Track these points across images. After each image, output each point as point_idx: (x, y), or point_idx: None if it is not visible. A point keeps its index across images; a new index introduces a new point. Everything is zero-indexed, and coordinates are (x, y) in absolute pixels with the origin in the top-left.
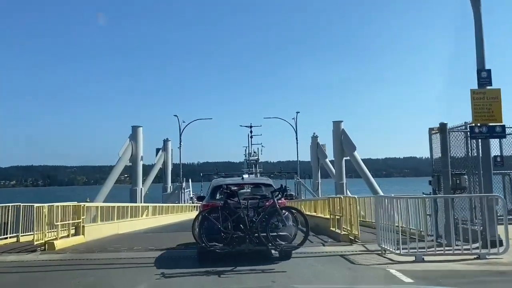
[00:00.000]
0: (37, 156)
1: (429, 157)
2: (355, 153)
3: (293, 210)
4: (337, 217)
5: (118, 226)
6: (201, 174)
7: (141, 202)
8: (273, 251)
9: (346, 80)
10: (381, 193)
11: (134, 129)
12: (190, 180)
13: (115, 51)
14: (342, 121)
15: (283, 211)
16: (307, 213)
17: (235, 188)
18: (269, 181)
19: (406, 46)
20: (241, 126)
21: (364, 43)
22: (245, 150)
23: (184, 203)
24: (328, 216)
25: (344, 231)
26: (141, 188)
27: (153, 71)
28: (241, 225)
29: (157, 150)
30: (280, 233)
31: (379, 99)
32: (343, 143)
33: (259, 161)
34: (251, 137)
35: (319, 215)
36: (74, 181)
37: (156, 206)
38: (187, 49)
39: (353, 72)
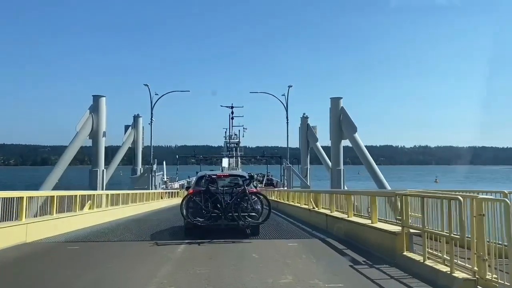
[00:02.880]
0: (9, 134)
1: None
2: (356, 135)
3: (260, 196)
4: (425, 233)
5: (28, 229)
6: (177, 156)
7: (102, 187)
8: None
9: (334, 66)
10: (387, 185)
11: (96, 99)
12: (164, 162)
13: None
14: (341, 97)
15: (253, 196)
16: (322, 210)
17: (215, 176)
18: (243, 173)
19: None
20: (221, 106)
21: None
22: (225, 132)
23: (155, 188)
24: (392, 229)
25: (458, 269)
26: (103, 170)
27: (133, 48)
28: (218, 206)
29: (126, 128)
30: (250, 213)
31: (362, 88)
32: (342, 123)
33: (240, 144)
34: (232, 118)
35: (354, 218)
36: (48, 161)
37: (107, 194)
38: (167, 26)
39: (342, 59)
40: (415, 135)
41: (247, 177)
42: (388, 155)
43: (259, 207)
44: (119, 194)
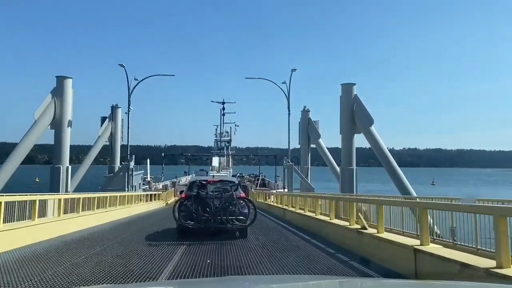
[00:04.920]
0: None
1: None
2: (372, 128)
3: (247, 200)
4: None
5: None
6: (163, 154)
7: (66, 188)
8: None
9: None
10: (412, 190)
11: (60, 81)
12: (148, 160)
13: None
14: (354, 84)
15: (241, 201)
16: (393, 238)
17: (205, 182)
18: (232, 179)
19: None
20: (212, 101)
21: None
22: (216, 129)
23: (134, 189)
24: None
25: None
26: (68, 167)
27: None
28: (207, 209)
29: (103, 120)
30: (238, 217)
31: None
32: (355, 114)
33: (231, 142)
34: (224, 114)
35: None
36: (34, 160)
37: (33, 199)
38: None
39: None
40: (404, 138)
41: (236, 182)
42: (377, 157)
43: (246, 211)
44: (60, 198)
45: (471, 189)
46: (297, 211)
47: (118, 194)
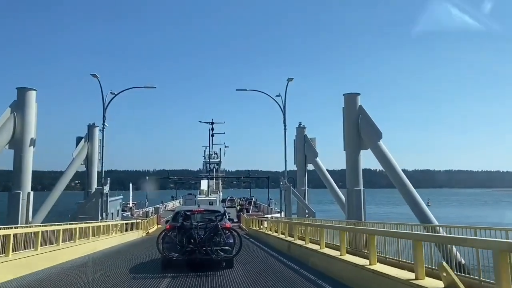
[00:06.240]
0: None
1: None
2: (381, 143)
3: (233, 231)
4: None
5: None
6: (147, 177)
7: (27, 218)
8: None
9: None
10: (431, 216)
11: (21, 93)
12: (130, 185)
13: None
14: (359, 94)
15: (226, 231)
16: None
17: (189, 213)
18: (218, 208)
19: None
20: (200, 122)
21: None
22: (205, 151)
23: (111, 217)
24: None
25: None
26: (29, 193)
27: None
28: (192, 240)
29: (78, 140)
30: (223, 247)
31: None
32: (360, 127)
33: (221, 165)
34: (212, 135)
35: None
36: (7, 187)
37: None
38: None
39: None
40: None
41: (222, 211)
42: (367, 179)
43: (231, 241)
44: None
45: (484, 210)
46: (307, 245)
47: (77, 225)
